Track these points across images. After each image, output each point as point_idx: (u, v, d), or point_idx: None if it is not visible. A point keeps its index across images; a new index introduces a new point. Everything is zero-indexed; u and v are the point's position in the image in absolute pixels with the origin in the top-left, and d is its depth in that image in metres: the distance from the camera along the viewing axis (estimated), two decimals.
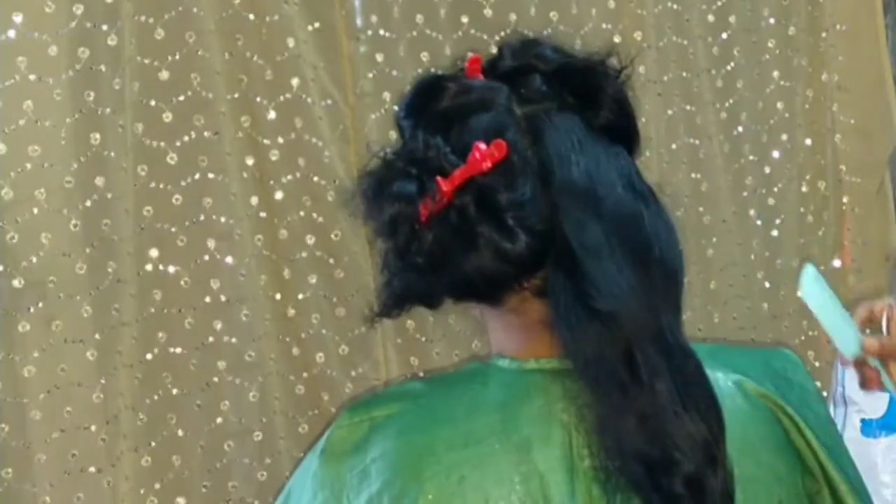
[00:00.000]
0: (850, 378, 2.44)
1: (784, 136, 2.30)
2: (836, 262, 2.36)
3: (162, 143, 1.82)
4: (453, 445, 1.15)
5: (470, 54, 1.24)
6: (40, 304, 1.73)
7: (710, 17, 2.24)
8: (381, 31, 1.97)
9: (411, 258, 1.16)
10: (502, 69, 1.22)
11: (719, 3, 2.24)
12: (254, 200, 1.88)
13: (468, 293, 1.20)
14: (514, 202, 1.13)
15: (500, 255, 1.14)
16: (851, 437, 2.24)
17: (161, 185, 1.82)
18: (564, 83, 1.20)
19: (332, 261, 1.93)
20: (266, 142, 1.89)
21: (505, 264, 1.14)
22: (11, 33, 1.71)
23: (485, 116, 1.17)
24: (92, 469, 1.76)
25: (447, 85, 1.21)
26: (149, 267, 1.82)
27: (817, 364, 2.30)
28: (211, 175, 1.85)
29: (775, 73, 2.29)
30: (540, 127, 1.16)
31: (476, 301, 1.22)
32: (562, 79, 1.20)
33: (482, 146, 1.14)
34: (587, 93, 1.20)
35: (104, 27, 1.75)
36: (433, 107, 1.19)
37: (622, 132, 1.21)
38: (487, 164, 1.14)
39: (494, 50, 1.23)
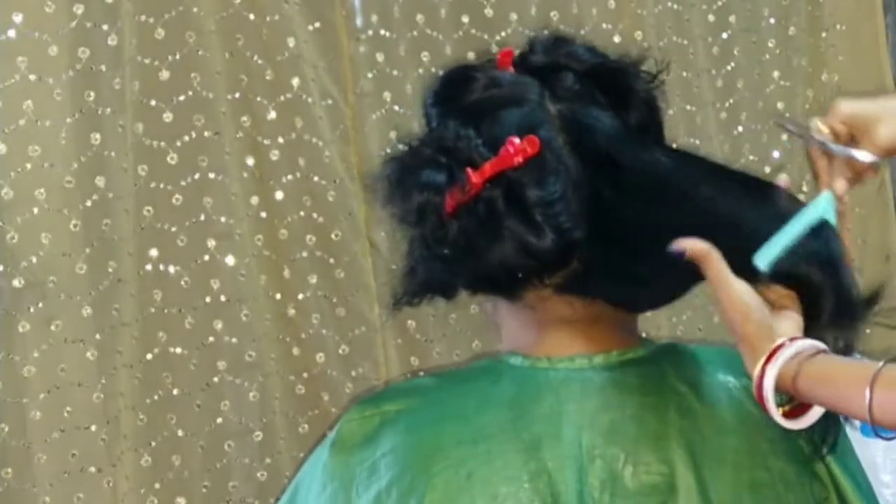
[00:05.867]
0: None
1: (784, 136, 2.30)
2: None
3: (162, 143, 1.82)
4: (463, 441, 1.15)
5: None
6: (40, 304, 1.73)
7: (710, 17, 2.24)
8: (382, 31, 1.97)
9: (436, 248, 1.16)
10: (533, 64, 1.22)
11: (719, 3, 2.24)
12: (254, 200, 1.88)
13: (488, 286, 1.20)
14: (544, 200, 1.13)
15: (524, 249, 1.14)
16: (851, 436, 2.24)
17: (161, 185, 1.82)
18: (597, 82, 1.20)
19: (332, 261, 1.93)
20: (266, 142, 1.89)
21: (529, 259, 1.14)
22: (11, 33, 1.71)
23: (517, 111, 1.17)
24: (92, 469, 1.75)
25: (477, 76, 1.21)
26: (149, 267, 1.82)
27: None
28: (211, 175, 1.85)
29: (775, 73, 2.29)
30: (576, 125, 1.16)
31: (495, 294, 1.22)
32: (594, 78, 1.20)
33: (516, 140, 1.14)
34: (619, 93, 1.20)
35: (104, 27, 1.75)
36: (463, 97, 1.19)
37: (650, 134, 1.21)
38: (519, 160, 1.14)
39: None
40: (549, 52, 1.22)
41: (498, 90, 1.19)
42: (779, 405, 1.10)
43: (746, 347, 1.10)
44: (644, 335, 1.27)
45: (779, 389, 1.08)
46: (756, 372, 1.09)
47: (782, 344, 1.09)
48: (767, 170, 2.29)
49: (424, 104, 1.24)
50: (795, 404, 1.11)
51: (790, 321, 1.11)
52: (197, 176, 1.85)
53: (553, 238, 1.13)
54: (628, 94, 1.21)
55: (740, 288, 1.10)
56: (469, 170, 1.14)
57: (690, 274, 1.17)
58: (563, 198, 1.14)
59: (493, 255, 1.14)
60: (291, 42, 1.88)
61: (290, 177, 1.90)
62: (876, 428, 1.06)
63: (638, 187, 1.14)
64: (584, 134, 1.16)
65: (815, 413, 1.12)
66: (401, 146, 1.20)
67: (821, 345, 1.09)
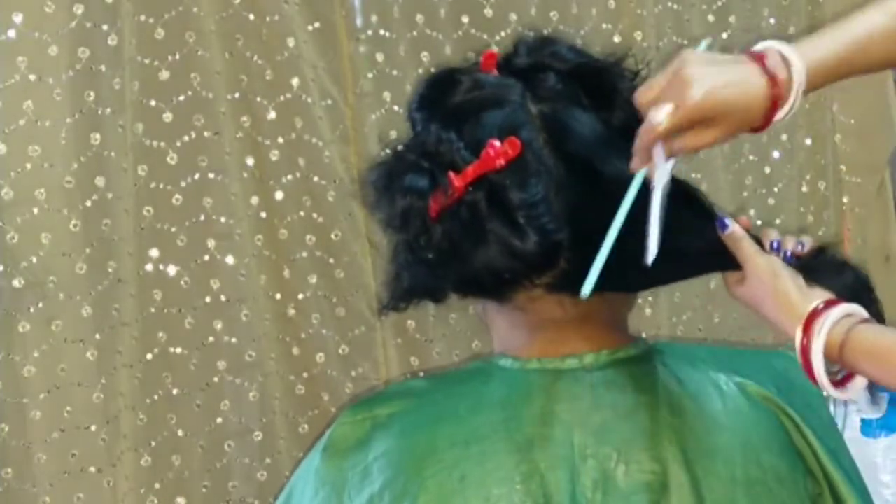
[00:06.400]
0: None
1: (784, 136, 2.30)
2: None
3: (162, 143, 1.82)
4: (455, 443, 1.15)
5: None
6: (40, 304, 1.73)
7: (710, 17, 2.23)
8: (381, 31, 1.97)
9: (421, 252, 1.16)
10: (517, 65, 1.22)
11: (719, 3, 2.24)
12: (254, 200, 1.88)
13: (475, 289, 1.20)
14: (526, 201, 1.13)
15: (509, 252, 1.14)
16: (851, 437, 2.24)
17: (161, 185, 1.82)
18: (580, 82, 1.20)
19: (332, 261, 1.93)
20: (266, 142, 1.89)
21: (514, 261, 1.14)
22: (11, 33, 1.71)
23: (499, 113, 1.16)
24: (92, 469, 1.76)
25: (461, 79, 1.21)
26: (149, 267, 1.82)
27: None
28: (211, 175, 1.85)
29: None
30: (557, 125, 1.16)
31: (482, 297, 1.22)
32: (577, 78, 1.20)
33: (496, 143, 1.13)
34: (602, 93, 1.20)
35: (104, 27, 1.75)
36: (446, 100, 1.19)
37: (634, 134, 1.21)
38: (501, 162, 1.14)
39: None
40: (532, 52, 1.22)
41: (479, 92, 1.19)
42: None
43: (781, 302, 1.10)
44: (644, 335, 1.27)
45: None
46: (799, 333, 1.08)
47: (824, 305, 1.08)
48: (767, 170, 2.29)
49: (409, 109, 1.24)
50: (841, 375, 1.10)
51: (821, 289, 1.11)
52: (197, 176, 1.85)
53: (536, 240, 1.13)
54: (612, 93, 1.20)
55: (767, 257, 1.12)
56: (451, 173, 1.14)
57: (686, 269, 1.18)
58: (546, 199, 1.13)
59: (477, 259, 1.14)
60: (291, 42, 1.88)
61: (290, 177, 1.91)
62: None
63: (610, 195, 1.14)
64: (565, 134, 1.16)
65: (860, 383, 1.10)
66: (387, 151, 1.20)
67: (864, 311, 1.08)
